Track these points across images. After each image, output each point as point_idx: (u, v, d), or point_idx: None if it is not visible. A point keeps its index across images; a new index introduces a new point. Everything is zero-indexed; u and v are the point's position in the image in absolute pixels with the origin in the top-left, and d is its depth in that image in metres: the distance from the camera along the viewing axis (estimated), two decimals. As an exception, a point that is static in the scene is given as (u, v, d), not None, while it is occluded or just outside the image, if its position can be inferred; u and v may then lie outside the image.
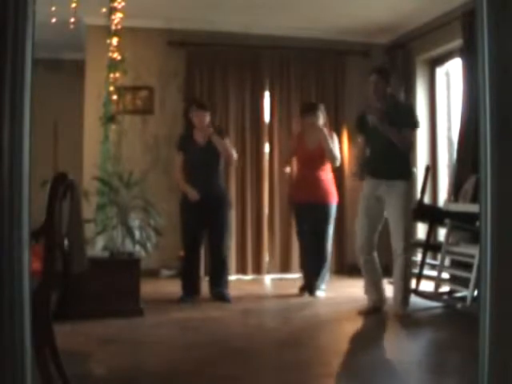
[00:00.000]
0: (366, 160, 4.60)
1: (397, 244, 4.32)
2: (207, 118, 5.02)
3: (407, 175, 4.43)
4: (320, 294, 5.19)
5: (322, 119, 5.30)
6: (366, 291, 4.52)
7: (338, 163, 5.34)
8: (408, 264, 4.37)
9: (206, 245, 5.21)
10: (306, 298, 5.16)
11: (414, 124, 4.44)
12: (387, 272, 4.64)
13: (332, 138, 5.27)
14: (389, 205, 4.36)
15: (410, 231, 4.51)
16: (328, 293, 5.25)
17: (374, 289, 4.46)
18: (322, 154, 5.24)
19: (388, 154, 4.35)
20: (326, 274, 5.31)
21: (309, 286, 5.25)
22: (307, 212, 5.25)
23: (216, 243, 5.00)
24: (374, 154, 4.51)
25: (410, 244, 4.53)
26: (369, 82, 4.48)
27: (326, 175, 5.29)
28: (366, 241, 4.43)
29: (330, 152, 5.20)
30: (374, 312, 4.41)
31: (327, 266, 5.29)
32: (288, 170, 5.50)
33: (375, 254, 4.47)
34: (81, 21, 5.81)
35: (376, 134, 4.37)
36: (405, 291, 4.36)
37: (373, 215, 4.42)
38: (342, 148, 6.72)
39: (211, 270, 5.12)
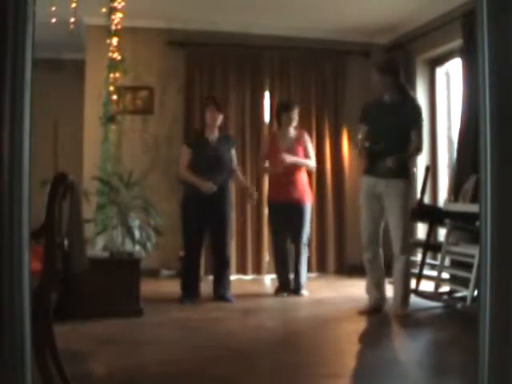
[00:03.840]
0: (366, 156, 4.58)
1: (396, 244, 4.32)
2: (220, 119, 5.03)
3: (406, 174, 4.40)
4: (305, 292, 5.23)
5: (297, 117, 5.37)
6: (368, 290, 4.50)
7: (314, 170, 5.58)
8: (407, 264, 4.36)
9: (208, 244, 5.20)
10: (303, 297, 5.17)
11: (419, 125, 4.38)
12: (387, 272, 4.63)
13: (305, 139, 5.35)
14: (388, 204, 4.34)
15: (408, 231, 4.50)
16: (328, 293, 5.25)
17: (377, 288, 4.44)
18: (297, 154, 5.28)
19: (388, 152, 4.33)
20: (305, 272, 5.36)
21: (295, 286, 5.25)
22: (283, 212, 5.26)
23: (220, 242, 4.99)
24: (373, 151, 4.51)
25: (409, 244, 4.52)
26: (372, 80, 4.47)
27: (301, 175, 5.32)
28: (369, 238, 4.41)
29: (307, 167, 5.37)
30: (375, 312, 4.40)
31: (306, 263, 5.34)
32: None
33: (380, 252, 4.45)
34: (81, 21, 5.81)
35: (378, 130, 4.36)
36: (405, 291, 4.36)
37: (374, 212, 4.40)
38: (341, 148, 6.74)
39: (215, 269, 5.11)
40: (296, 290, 5.23)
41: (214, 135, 5.03)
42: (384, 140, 4.28)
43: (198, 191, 4.86)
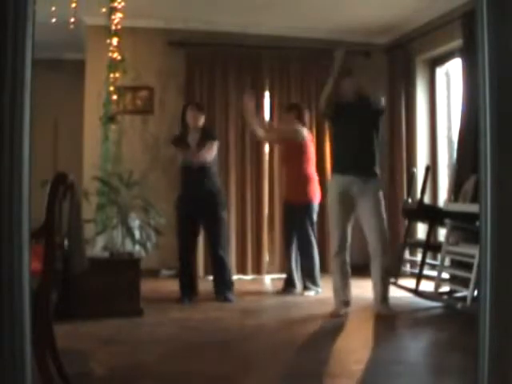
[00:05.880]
0: (336, 155, 4.56)
1: (377, 246, 4.29)
2: (201, 119, 4.99)
3: (378, 172, 4.42)
4: (308, 293, 5.27)
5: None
6: (337, 292, 4.45)
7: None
8: (386, 264, 4.36)
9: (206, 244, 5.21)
10: (306, 297, 5.18)
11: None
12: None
13: None
14: (363, 206, 4.33)
15: (386, 231, 4.46)
16: (328, 293, 5.25)
17: (344, 289, 4.43)
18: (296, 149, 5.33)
19: (361, 149, 4.33)
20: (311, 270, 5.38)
21: (303, 285, 5.36)
22: (287, 212, 5.48)
23: (213, 241, 5.00)
24: (345, 149, 4.39)
25: (388, 244, 4.48)
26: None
27: (296, 173, 5.35)
28: (343, 240, 4.41)
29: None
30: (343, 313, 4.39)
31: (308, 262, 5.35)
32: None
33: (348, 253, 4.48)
34: (81, 21, 5.82)
35: (350, 125, 4.35)
36: (385, 290, 4.34)
37: (347, 214, 4.39)
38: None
39: (212, 269, 5.12)
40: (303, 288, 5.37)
41: (196, 137, 4.96)
42: (355, 138, 4.37)
43: (189, 192, 4.88)
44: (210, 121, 6.22)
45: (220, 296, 4.94)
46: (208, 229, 5.00)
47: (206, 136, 4.97)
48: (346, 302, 4.43)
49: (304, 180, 5.32)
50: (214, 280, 5.05)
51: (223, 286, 4.98)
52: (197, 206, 4.90)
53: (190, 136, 4.99)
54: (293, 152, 5.34)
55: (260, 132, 5.33)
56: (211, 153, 4.94)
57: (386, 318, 4.25)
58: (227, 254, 5.20)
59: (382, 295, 4.34)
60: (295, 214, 5.30)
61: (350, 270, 4.47)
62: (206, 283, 5.19)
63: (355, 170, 4.32)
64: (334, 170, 4.52)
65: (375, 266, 4.35)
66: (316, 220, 5.37)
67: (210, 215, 4.94)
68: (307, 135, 5.42)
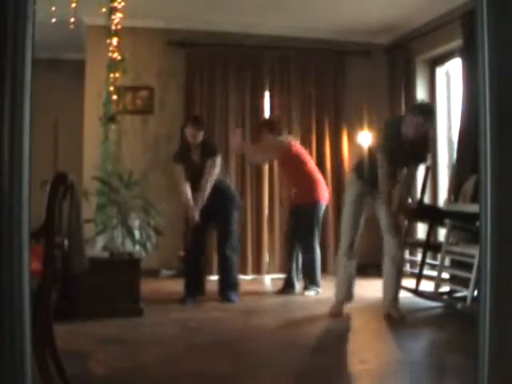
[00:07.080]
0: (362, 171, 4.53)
1: (392, 242, 4.28)
2: (200, 136, 4.90)
3: None
4: (308, 293, 5.28)
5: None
6: (340, 289, 4.45)
7: None
8: (400, 263, 4.37)
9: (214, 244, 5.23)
10: (306, 297, 5.18)
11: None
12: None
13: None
14: (381, 204, 4.34)
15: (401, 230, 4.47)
16: (328, 293, 5.25)
17: (348, 289, 4.44)
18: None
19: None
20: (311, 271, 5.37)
21: (305, 285, 5.37)
22: (291, 214, 5.53)
23: (220, 241, 5.02)
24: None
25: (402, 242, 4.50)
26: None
27: (297, 175, 5.37)
28: (352, 239, 4.42)
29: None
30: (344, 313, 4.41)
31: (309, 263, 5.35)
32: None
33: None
34: (81, 21, 5.82)
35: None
36: (395, 291, 4.33)
37: (359, 215, 4.41)
38: (341, 148, 6.74)
39: (218, 269, 5.15)
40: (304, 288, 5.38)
41: (197, 152, 4.94)
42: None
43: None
44: (210, 120, 6.23)
45: (222, 295, 4.95)
46: (218, 227, 5.03)
47: (206, 153, 4.92)
48: (347, 302, 4.43)
49: (306, 183, 5.32)
50: (219, 279, 5.07)
51: (227, 285, 4.98)
52: (211, 206, 4.89)
53: (191, 151, 4.96)
54: (287, 163, 5.39)
55: (254, 157, 5.51)
56: (214, 172, 4.91)
57: (392, 320, 4.22)
58: (236, 254, 5.11)
59: (393, 295, 4.31)
60: (301, 214, 5.31)
61: (353, 268, 4.44)
62: (207, 283, 5.19)
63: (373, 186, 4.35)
64: (356, 175, 4.49)
65: (388, 265, 4.31)
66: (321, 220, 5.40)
67: (222, 214, 4.95)
68: (289, 143, 5.34)
